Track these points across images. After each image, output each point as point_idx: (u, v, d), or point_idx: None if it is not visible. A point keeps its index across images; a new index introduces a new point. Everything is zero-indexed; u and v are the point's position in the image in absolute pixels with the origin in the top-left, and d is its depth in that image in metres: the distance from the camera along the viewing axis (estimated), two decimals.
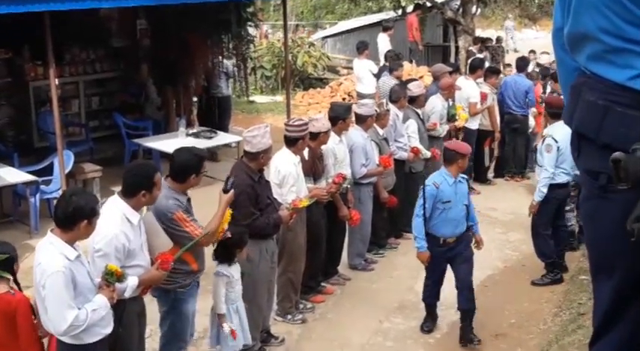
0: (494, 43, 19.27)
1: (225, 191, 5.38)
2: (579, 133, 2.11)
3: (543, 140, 7.70)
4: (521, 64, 12.08)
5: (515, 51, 25.86)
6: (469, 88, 10.60)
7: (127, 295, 4.56)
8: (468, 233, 6.63)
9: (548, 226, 7.80)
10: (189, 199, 5.29)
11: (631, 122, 1.89)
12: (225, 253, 5.59)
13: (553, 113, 7.64)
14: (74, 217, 4.16)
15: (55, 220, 4.29)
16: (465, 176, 6.73)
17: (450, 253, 6.54)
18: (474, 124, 10.71)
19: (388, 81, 11.56)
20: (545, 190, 7.56)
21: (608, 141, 1.95)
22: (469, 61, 16.33)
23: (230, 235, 5.45)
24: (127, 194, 4.71)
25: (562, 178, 7.58)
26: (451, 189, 6.47)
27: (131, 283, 4.56)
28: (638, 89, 1.90)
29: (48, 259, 4.13)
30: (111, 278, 4.34)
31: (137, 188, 4.69)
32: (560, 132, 7.34)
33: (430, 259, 6.55)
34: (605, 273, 2.15)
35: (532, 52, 17.46)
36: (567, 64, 2.29)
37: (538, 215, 7.72)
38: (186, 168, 5.17)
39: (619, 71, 1.94)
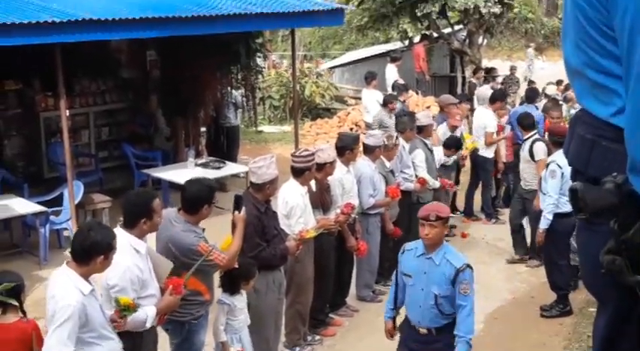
0: (509, 72, 19.40)
1: (238, 211, 5.42)
2: (573, 167, 2.16)
3: (547, 167, 7.65)
4: (531, 94, 12.13)
5: (531, 81, 26.03)
6: (486, 118, 10.64)
7: (147, 325, 4.57)
8: (451, 337, 4.95)
9: (564, 257, 7.69)
10: (203, 230, 5.32)
11: (613, 156, 1.93)
12: (230, 282, 5.60)
13: (556, 141, 7.59)
14: (90, 252, 4.17)
15: (72, 253, 4.30)
16: (460, 264, 4.97)
17: (424, 348, 5.16)
18: (490, 153, 10.75)
19: (382, 114, 11.57)
20: (550, 216, 7.49)
21: (596, 174, 1.99)
22: (476, 90, 16.49)
23: (237, 266, 5.46)
24: (129, 224, 4.74)
25: (567, 207, 7.35)
26: (416, 262, 5.11)
27: (150, 313, 4.57)
28: (618, 125, 1.93)
29: (63, 293, 4.13)
30: (128, 312, 4.35)
31: (137, 217, 4.71)
32: (564, 158, 7.30)
33: (401, 339, 5.37)
34: (600, 304, 2.18)
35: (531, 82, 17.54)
36: None
37: (551, 245, 7.63)
38: (198, 199, 5.21)
39: (603, 107, 1.98)
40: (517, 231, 9.30)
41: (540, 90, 15.59)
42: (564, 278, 7.73)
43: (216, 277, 5.65)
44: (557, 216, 7.48)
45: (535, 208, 8.45)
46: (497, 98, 11.09)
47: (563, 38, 2.18)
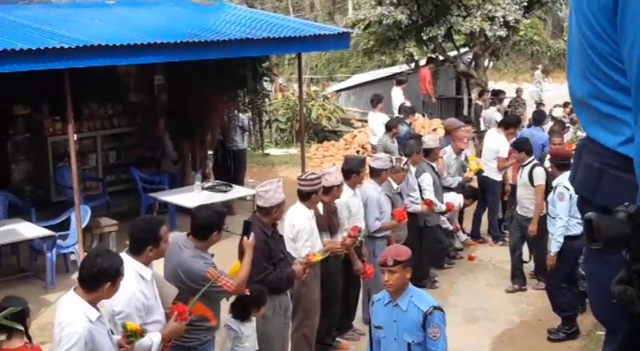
0: (515, 95, 19.44)
1: (247, 236, 5.43)
2: (580, 195, 2.16)
3: (554, 190, 7.59)
4: (539, 117, 12.15)
5: (541, 103, 26.12)
6: (499, 142, 10.62)
7: None
8: None
9: (569, 279, 7.69)
10: (212, 255, 5.33)
11: (623, 184, 1.93)
12: (241, 309, 5.60)
13: (560, 164, 7.59)
14: (98, 278, 4.17)
15: (79, 280, 4.29)
16: (427, 307, 4.79)
17: None
18: (499, 177, 10.74)
19: (385, 139, 11.57)
20: (561, 239, 7.44)
21: (604, 203, 1.99)
22: (483, 113, 16.53)
23: (248, 293, 5.47)
24: (134, 251, 4.74)
25: (576, 229, 7.38)
26: (385, 312, 4.94)
27: (155, 339, 4.56)
28: (627, 154, 1.94)
29: (70, 320, 4.12)
30: (135, 338, 4.35)
31: (143, 244, 4.72)
32: None
33: None
34: (609, 331, 2.17)
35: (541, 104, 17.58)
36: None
37: (558, 268, 7.58)
38: (208, 225, 5.22)
39: (611, 136, 1.98)
40: (517, 260, 9.17)
41: (547, 112, 15.65)
42: (568, 300, 7.70)
43: (224, 303, 5.64)
44: (566, 238, 7.44)
45: (531, 233, 8.49)
46: (512, 124, 11.06)
47: (569, 66, 2.19)
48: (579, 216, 7.53)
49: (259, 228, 5.87)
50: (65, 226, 9.52)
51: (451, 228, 9.78)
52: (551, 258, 7.55)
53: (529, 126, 12.71)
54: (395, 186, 8.19)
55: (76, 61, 8.45)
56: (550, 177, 8.31)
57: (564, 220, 7.40)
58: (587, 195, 2.08)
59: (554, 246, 7.51)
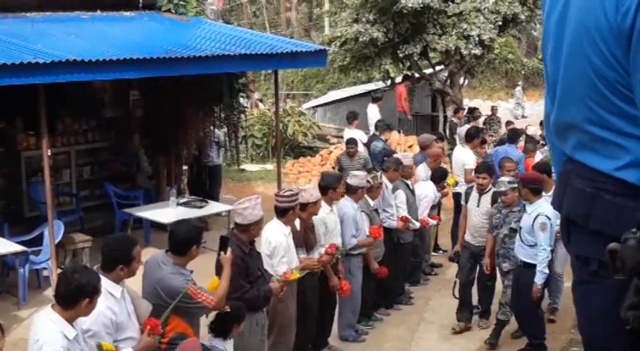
0: (490, 113, 19.62)
1: (224, 251, 5.40)
2: (569, 219, 2.16)
3: (535, 219, 7.31)
4: (513, 134, 12.25)
5: (523, 117, 26.45)
6: (465, 156, 10.72)
7: None
8: None
9: (539, 306, 7.63)
10: (191, 272, 5.30)
11: (618, 209, 1.94)
12: (222, 327, 5.56)
13: (535, 189, 7.40)
14: (76, 295, 4.12)
15: (56, 297, 4.24)
16: None
17: None
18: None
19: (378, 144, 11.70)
20: (547, 271, 7.30)
21: (598, 227, 1.99)
22: (458, 129, 16.65)
23: (229, 309, 5.44)
24: (106, 268, 4.69)
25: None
26: None
27: None
28: (625, 179, 1.95)
29: (47, 338, 4.06)
30: None
31: (115, 263, 4.68)
32: (548, 208, 7.15)
33: None
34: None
35: (509, 122, 17.73)
36: (558, 150, 2.34)
37: (528, 297, 7.34)
38: (188, 240, 5.21)
39: (605, 161, 1.98)
40: (465, 295, 8.59)
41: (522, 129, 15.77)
42: (542, 326, 7.66)
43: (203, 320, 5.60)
44: (534, 266, 7.31)
45: (486, 268, 8.14)
46: (473, 135, 11.20)
47: (552, 92, 2.18)
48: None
49: (237, 245, 5.85)
50: (38, 241, 9.40)
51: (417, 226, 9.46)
52: (538, 290, 7.32)
53: (502, 143, 12.79)
54: (372, 203, 8.21)
55: (51, 76, 8.38)
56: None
57: (547, 250, 7.26)
58: (578, 220, 2.07)
59: (539, 278, 7.29)
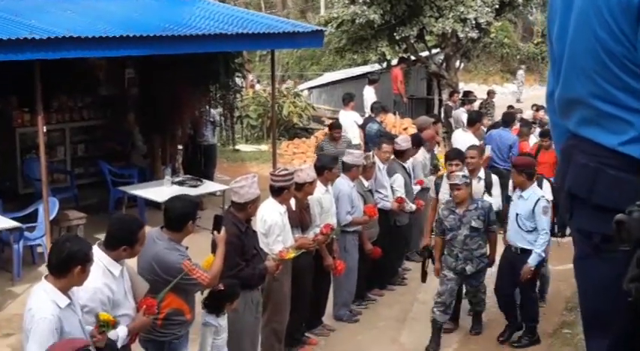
0: (486, 96, 19.60)
1: (217, 230, 5.42)
2: (572, 194, 2.17)
3: (537, 203, 7.20)
4: (507, 118, 12.27)
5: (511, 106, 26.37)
6: (467, 140, 10.71)
7: (119, 344, 4.51)
8: None
9: (534, 289, 7.70)
10: (186, 248, 5.31)
11: (622, 184, 1.96)
12: (216, 304, 5.58)
13: (529, 174, 7.33)
14: (67, 263, 4.14)
15: (48, 267, 4.27)
16: None
17: None
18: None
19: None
20: (543, 254, 7.27)
21: (601, 202, 2.01)
22: (453, 113, 16.67)
23: (223, 287, 5.46)
24: (109, 247, 4.69)
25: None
26: None
27: (121, 333, 4.52)
28: (629, 154, 1.96)
29: (38, 305, 4.11)
30: (107, 328, 4.33)
31: (119, 242, 4.68)
32: (546, 192, 7.32)
33: None
34: (598, 330, 2.18)
35: (511, 107, 17.75)
36: (560, 128, 2.36)
37: (531, 280, 7.41)
38: (183, 216, 5.20)
39: (610, 136, 2.00)
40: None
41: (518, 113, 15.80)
42: (536, 309, 7.63)
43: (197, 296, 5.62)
44: (531, 252, 7.25)
45: (436, 274, 7.66)
46: (475, 120, 11.21)
47: (558, 67, 2.19)
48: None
49: (233, 223, 5.86)
50: (32, 218, 9.41)
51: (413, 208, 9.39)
52: (530, 271, 7.23)
53: (493, 126, 12.79)
54: (366, 183, 8.23)
55: (47, 53, 8.35)
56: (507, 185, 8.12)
57: (548, 234, 7.23)
58: (581, 194, 2.09)
59: (535, 260, 7.21)
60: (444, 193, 7.94)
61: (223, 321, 5.63)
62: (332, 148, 11.03)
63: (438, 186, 8.28)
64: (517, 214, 7.34)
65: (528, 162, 7.71)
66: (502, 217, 7.98)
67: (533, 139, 12.20)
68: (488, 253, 7.46)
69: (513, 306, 7.60)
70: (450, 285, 7.39)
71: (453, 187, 7.26)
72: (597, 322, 2.20)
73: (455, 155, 8.23)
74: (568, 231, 10.58)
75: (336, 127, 11.73)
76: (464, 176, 7.33)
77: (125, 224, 4.84)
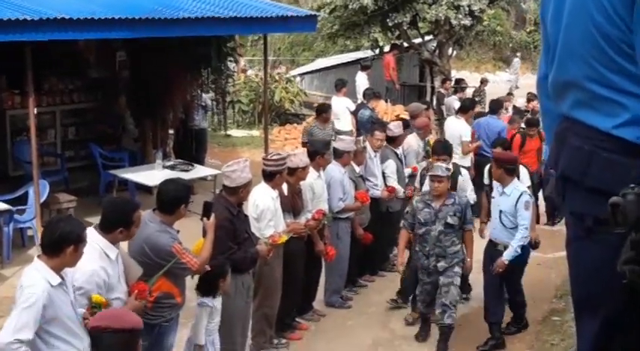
0: (478, 84, 19.60)
1: (207, 217, 5.40)
2: (564, 177, 2.18)
3: (519, 199, 7.01)
4: (494, 106, 12.27)
5: (516, 87, 26.48)
6: (460, 127, 10.71)
7: None
8: None
9: (520, 283, 7.46)
10: (177, 232, 5.29)
11: (616, 167, 1.96)
12: (209, 285, 5.57)
13: (510, 169, 7.12)
14: (61, 242, 4.14)
15: (41, 246, 4.27)
16: None
17: None
18: (466, 162, 10.78)
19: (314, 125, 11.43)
20: (519, 250, 7.03)
21: (594, 185, 2.02)
22: (445, 100, 16.66)
23: (209, 269, 5.44)
24: (105, 229, 4.69)
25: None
26: None
27: None
28: (623, 137, 1.96)
29: (30, 282, 4.11)
30: (98, 309, 4.33)
31: (115, 225, 4.67)
32: (526, 187, 7.22)
33: None
34: (590, 312, 2.19)
35: (510, 94, 17.76)
36: (552, 112, 2.36)
37: (512, 278, 7.24)
38: (176, 199, 5.19)
39: (604, 119, 2.00)
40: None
41: (510, 102, 15.81)
42: (524, 300, 7.49)
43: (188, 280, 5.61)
44: (524, 247, 7.12)
45: (398, 267, 7.61)
46: (468, 107, 11.20)
47: (551, 50, 2.20)
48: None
49: (225, 207, 5.85)
50: (22, 200, 9.36)
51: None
52: (502, 265, 7.02)
53: (479, 114, 12.77)
54: (357, 169, 8.22)
55: (38, 34, 8.28)
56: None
57: (528, 230, 7.04)
58: (575, 177, 2.10)
59: (509, 254, 7.01)
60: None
61: (218, 303, 5.61)
62: (321, 132, 10.97)
63: (423, 178, 7.99)
64: (500, 212, 7.13)
65: (510, 157, 7.52)
66: (477, 208, 7.95)
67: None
68: (461, 251, 7.08)
69: (502, 304, 7.36)
70: (426, 287, 7.14)
71: (434, 178, 6.92)
72: (588, 305, 2.21)
73: (442, 150, 7.88)
74: (557, 222, 10.68)
75: (326, 109, 11.61)
76: (447, 168, 7.05)
77: (119, 206, 4.84)
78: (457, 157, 10.40)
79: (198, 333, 5.50)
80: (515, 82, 28.73)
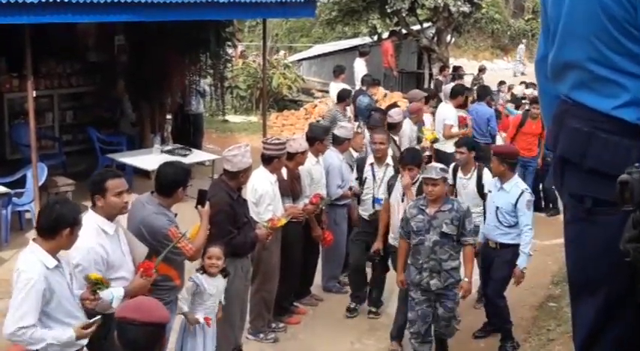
0: (477, 72, 19.59)
1: (202, 205, 5.40)
2: (563, 159, 2.19)
3: (519, 197, 6.64)
4: (481, 92, 12.26)
5: (522, 74, 26.49)
6: (446, 111, 10.72)
7: (114, 305, 4.45)
8: None
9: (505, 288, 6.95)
10: (175, 215, 5.30)
11: (615, 148, 1.99)
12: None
13: (511, 164, 6.83)
14: (57, 224, 4.16)
15: (37, 228, 4.28)
16: None
17: None
18: (449, 148, 10.79)
19: (335, 111, 11.40)
20: (530, 253, 6.70)
21: (593, 166, 2.04)
22: (443, 88, 16.65)
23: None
24: (92, 204, 4.71)
25: (519, 239, 6.71)
26: None
27: (117, 294, 4.50)
28: (623, 118, 1.98)
29: (26, 266, 4.13)
30: (101, 286, 4.33)
31: (92, 195, 4.68)
32: (526, 185, 6.96)
33: None
34: (588, 294, 2.21)
35: (503, 82, 17.76)
36: (550, 93, 2.37)
37: (501, 281, 6.79)
38: (174, 182, 5.19)
39: (603, 100, 2.03)
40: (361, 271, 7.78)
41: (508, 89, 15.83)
42: (507, 310, 6.89)
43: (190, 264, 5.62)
44: (512, 246, 6.70)
45: (401, 284, 6.51)
46: (458, 93, 11.20)
47: (551, 32, 2.21)
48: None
49: (225, 192, 5.87)
50: (20, 184, 9.35)
51: None
52: (522, 275, 6.63)
53: (473, 102, 12.78)
54: (355, 154, 8.24)
55: (37, 17, 8.24)
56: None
57: (532, 230, 6.65)
58: (574, 158, 2.12)
59: (524, 260, 6.60)
60: (397, 196, 6.97)
61: (211, 287, 5.55)
62: (344, 119, 10.78)
63: (391, 187, 7.12)
64: (497, 208, 6.76)
65: (512, 151, 7.24)
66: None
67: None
68: (460, 267, 6.20)
69: (508, 311, 6.93)
70: (420, 310, 6.17)
71: (428, 181, 6.03)
72: (586, 286, 2.22)
73: (410, 159, 6.99)
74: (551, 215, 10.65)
75: (348, 95, 11.46)
76: (442, 169, 6.17)
77: (94, 177, 4.84)
78: (443, 142, 10.43)
79: (180, 302, 5.45)
80: (519, 69, 28.74)
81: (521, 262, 6.60)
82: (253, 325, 6.90)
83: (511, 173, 6.79)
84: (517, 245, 6.66)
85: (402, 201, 6.83)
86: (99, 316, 4.39)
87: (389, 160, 7.62)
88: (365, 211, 7.66)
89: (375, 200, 7.50)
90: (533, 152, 10.84)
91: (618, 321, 2.11)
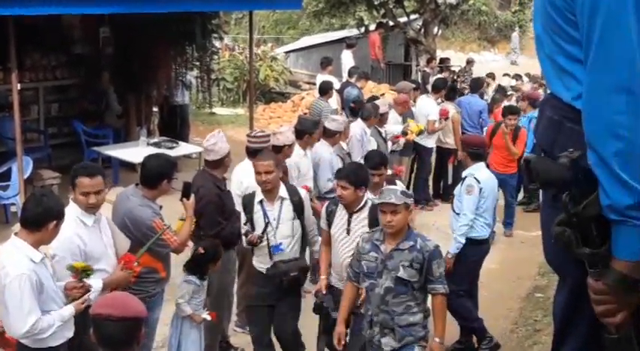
0: (464, 65, 19.61)
1: (187, 197, 5.37)
2: (541, 148, 2.26)
3: (462, 182, 6.53)
4: (474, 84, 12.29)
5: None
6: (429, 106, 10.72)
7: (92, 297, 4.40)
8: None
9: (465, 283, 6.46)
10: (160, 207, 5.26)
11: (577, 136, 2.03)
12: (198, 267, 5.56)
13: (474, 153, 6.67)
14: (44, 217, 4.12)
15: (23, 221, 4.23)
16: None
17: None
18: (430, 143, 10.80)
19: (320, 102, 11.41)
20: (463, 240, 6.30)
21: (559, 153, 2.07)
22: (430, 79, 16.66)
23: (203, 251, 5.44)
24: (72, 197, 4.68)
25: (482, 232, 6.42)
26: None
27: (96, 286, 4.47)
28: (579, 108, 2.02)
29: (13, 262, 4.08)
30: (88, 272, 4.31)
31: (70, 183, 4.66)
32: (483, 174, 6.56)
33: None
34: (561, 280, 2.29)
35: (490, 75, 17.77)
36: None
37: (452, 275, 5.99)
38: (159, 173, 5.16)
39: (565, 91, 2.10)
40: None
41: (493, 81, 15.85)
42: (467, 309, 6.48)
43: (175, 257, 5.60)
44: (471, 241, 6.36)
45: (337, 342, 5.07)
46: (441, 87, 11.22)
47: (535, 23, 2.27)
48: (487, 216, 6.28)
49: (213, 183, 5.85)
50: (5, 177, 9.29)
51: None
52: (449, 260, 6.14)
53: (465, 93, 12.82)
54: (345, 146, 8.23)
55: (22, 8, 8.16)
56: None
57: (469, 217, 6.28)
58: (546, 147, 2.19)
59: (454, 247, 6.31)
60: (340, 226, 5.47)
61: (204, 282, 5.61)
62: (329, 111, 10.80)
63: (331, 215, 5.56)
64: (454, 196, 6.72)
65: (477, 141, 7.08)
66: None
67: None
68: (423, 325, 4.75)
69: (468, 309, 6.50)
70: None
71: (387, 208, 4.61)
72: (557, 272, 2.32)
73: (379, 160, 6.38)
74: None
75: (330, 87, 11.52)
76: (403, 193, 4.69)
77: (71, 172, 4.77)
78: (423, 136, 10.43)
79: (182, 306, 5.50)
80: (516, 57, 28.81)
81: (451, 248, 6.33)
82: (241, 318, 6.88)
83: (472, 162, 6.66)
84: (470, 239, 6.34)
85: (348, 233, 5.38)
86: (91, 292, 4.39)
87: (282, 191, 5.68)
88: (261, 264, 5.74)
89: (273, 248, 5.63)
90: (511, 169, 9.67)
91: (586, 310, 2.11)
